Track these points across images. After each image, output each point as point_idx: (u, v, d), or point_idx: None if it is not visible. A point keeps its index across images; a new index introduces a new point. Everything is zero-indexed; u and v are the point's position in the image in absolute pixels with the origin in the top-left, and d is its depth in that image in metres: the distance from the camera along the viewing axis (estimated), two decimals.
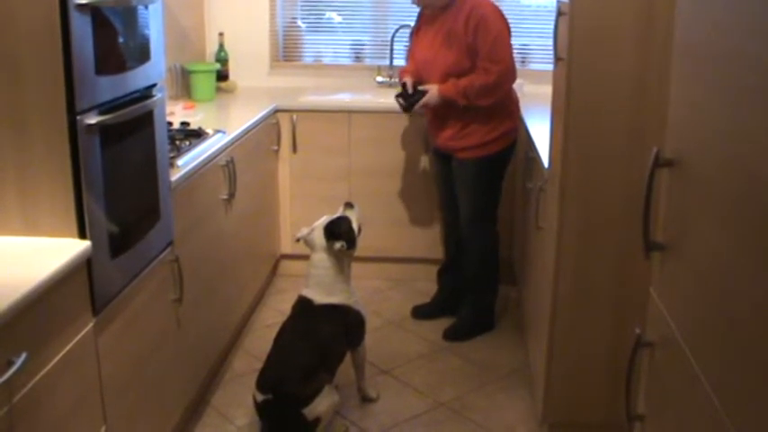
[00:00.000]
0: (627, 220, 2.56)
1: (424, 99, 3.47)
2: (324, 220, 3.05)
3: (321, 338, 2.88)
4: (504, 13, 3.55)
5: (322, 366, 2.84)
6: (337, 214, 3.08)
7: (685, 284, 1.48)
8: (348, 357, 3.08)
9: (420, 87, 3.52)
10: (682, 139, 1.55)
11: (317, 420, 2.73)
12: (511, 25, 3.49)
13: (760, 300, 1.11)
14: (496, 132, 3.52)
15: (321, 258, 2.99)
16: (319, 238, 2.99)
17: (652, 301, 1.69)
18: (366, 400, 3.17)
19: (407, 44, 3.95)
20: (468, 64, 3.42)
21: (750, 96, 1.18)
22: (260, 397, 2.76)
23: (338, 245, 2.95)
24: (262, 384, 2.78)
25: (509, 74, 3.43)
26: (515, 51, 3.58)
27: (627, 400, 1.74)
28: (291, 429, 2.74)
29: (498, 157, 3.58)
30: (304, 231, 3.06)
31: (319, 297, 2.96)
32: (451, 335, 3.70)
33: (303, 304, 2.99)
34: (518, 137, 3.65)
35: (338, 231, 2.98)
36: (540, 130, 3.33)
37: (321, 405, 2.73)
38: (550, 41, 2.77)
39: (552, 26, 2.74)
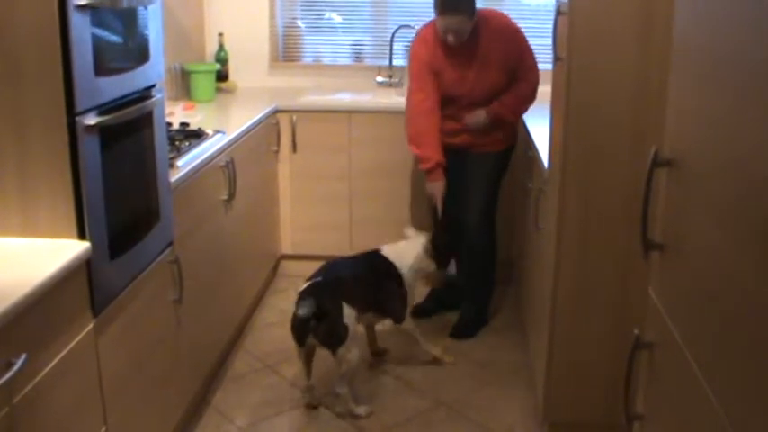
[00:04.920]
0: (627, 220, 2.56)
1: (478, 124, 3.56)
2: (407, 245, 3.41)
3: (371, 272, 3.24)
4: (504, 12, 3.60)
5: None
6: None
7: (683, 284, 1.48)
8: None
9: (469, 123, 3.57)
10: (680, 139, 1.56)
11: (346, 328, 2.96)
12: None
13: (757, 299, 1.11)
14: (507, 130, 3.66)
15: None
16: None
17: (651, 301, 1.69)
18: (435, 362, 3.42)
19: (410, 79, 3.63)
20: (506, 80, 3.53)
21: (747, 97, 1.18)
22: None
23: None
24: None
25: (539, 76, 3.56)
26: None
27: (626, 400, 1.74)
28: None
29: (507, 152, 3.70)
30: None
31: (388, 251, 3.36)
32: (461, 332, 3.70)
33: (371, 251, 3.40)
34: (519, 137, 3.75)
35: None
36: (539, 130, 3.33)
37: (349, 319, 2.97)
38: (550, 41, 2.77)
39: (551, 26, 2.74)
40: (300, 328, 2.96)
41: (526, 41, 3.53)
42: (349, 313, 2.96)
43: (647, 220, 1.61)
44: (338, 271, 3.17)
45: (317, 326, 2.92)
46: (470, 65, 3.49)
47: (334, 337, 2.93)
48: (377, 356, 3.44)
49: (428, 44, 3.52)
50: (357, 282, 3.14)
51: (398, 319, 3.30)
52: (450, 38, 3.41)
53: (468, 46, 3.46)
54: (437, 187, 3.55)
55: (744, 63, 1.20)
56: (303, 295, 2.99)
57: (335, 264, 3.27)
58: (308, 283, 3.08)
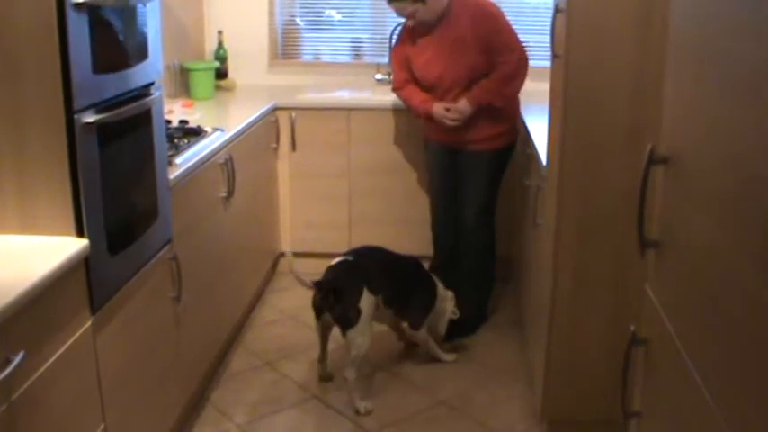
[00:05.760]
0: (624, 217, 2.56)
1: (464, 115, 3.51)
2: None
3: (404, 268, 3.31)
4: (504, 9, 3.60)
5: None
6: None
7: (679, 281, 1.48)
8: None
9: (449, 106, 3.53)
10: (676, 137, 1.56)
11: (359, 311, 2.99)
12: (509, 22, 3.54)
13: (752, 296, 1.11)
14: (502, 127, 3.61)
15: None
16: None
17: (647, 297, 1.69)
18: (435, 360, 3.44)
19: (391, 62, 3.85)
20: (484, 62, 3.48)
21: (743, 94, 1.18)
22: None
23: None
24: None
25: (524, 56, 3.52)
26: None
27: (622, 397, 1.74)
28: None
29: (505, 150, 3.68)
30: None
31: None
32: (460, 330, 3.71)
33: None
34: (519, 135, 3.71)
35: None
36: (538, 127, 3.34)
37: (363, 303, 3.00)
38: (548, 38, 2.77)
39: (550, 23, 2.74)
40: (318, 303, 3.06)
41: (502, 20, 3.49)
42: (368, 298, 3.00)
43: (643, 218, 1.61)
44: (373, 256, 3.26)
45: (333, 303, 3.00)
46: (443, 47, 3.52)
47: (345, 319, 3.00)
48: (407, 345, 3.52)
49: (406, 28, 3.68)
50: (389, 274, 3.20)
51: (415, 326, 3.34)
52: (410, 22, 3.55)
53: (439, 28, 3.51)
54: (438, 107, 3.54)
55: (740, 60, 1.20)
56: (329, 271, 3.10)
57: (375, 249, 3.34)
58: (338, 259, 3.17)
